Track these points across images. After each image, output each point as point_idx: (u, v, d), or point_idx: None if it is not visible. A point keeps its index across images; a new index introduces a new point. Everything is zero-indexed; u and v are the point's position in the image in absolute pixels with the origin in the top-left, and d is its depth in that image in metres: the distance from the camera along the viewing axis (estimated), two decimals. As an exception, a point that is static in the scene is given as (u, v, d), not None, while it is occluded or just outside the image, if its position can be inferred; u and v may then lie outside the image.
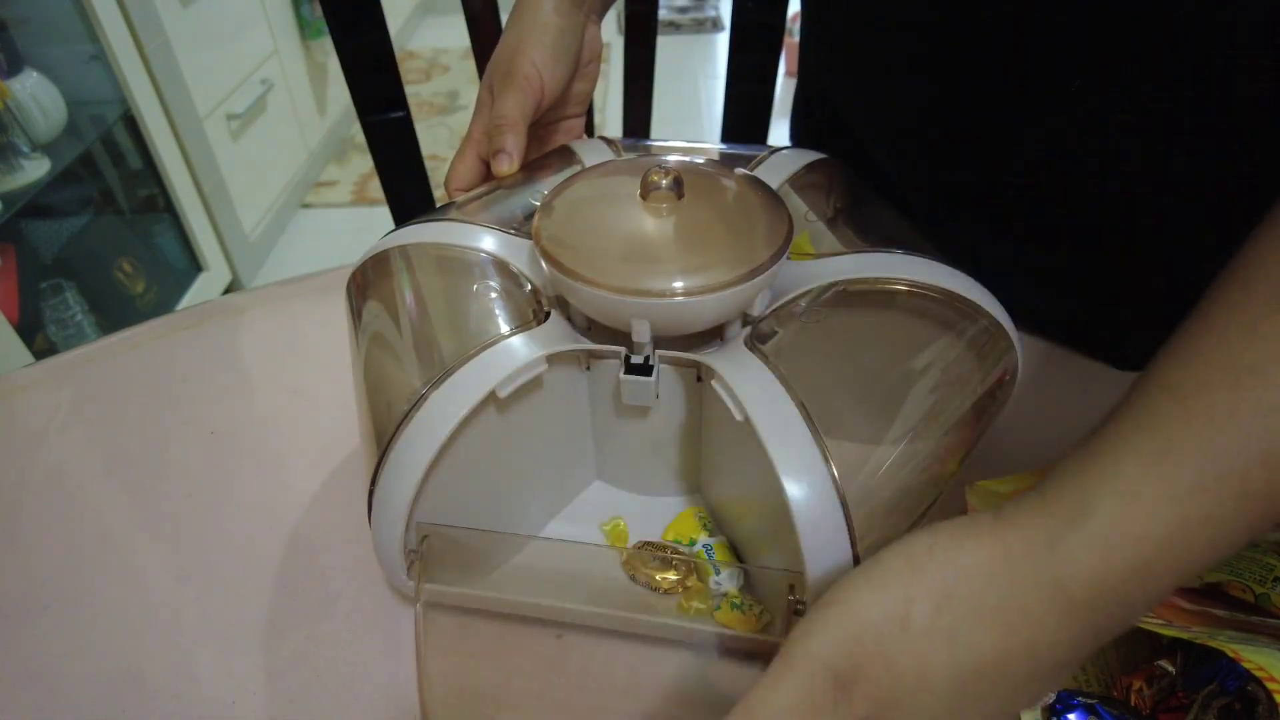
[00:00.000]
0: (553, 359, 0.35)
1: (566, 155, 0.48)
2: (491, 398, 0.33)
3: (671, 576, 0.38)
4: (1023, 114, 0.44)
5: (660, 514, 0.42)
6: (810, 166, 0.46)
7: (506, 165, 0.45)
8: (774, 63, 0.71)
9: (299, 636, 0.38)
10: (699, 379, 0.37)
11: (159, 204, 1.63)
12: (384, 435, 0.34)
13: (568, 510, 0.43)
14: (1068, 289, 0.49)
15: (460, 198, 0.46)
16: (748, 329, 0.36)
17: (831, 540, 0.30)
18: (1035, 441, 0.45)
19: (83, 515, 0.45)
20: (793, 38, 2.54)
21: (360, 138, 1.67)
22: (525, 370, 0.34)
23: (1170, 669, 0.31)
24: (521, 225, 0.42)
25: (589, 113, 0.71)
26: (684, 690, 0.35)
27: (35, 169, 1.35)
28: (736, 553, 0.40)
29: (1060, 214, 0.47)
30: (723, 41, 2.76)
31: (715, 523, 0.41)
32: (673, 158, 0.40)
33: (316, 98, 2.27)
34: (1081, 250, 0.47)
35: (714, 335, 0.37)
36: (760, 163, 0.45)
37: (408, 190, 0.72)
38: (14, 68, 1.34)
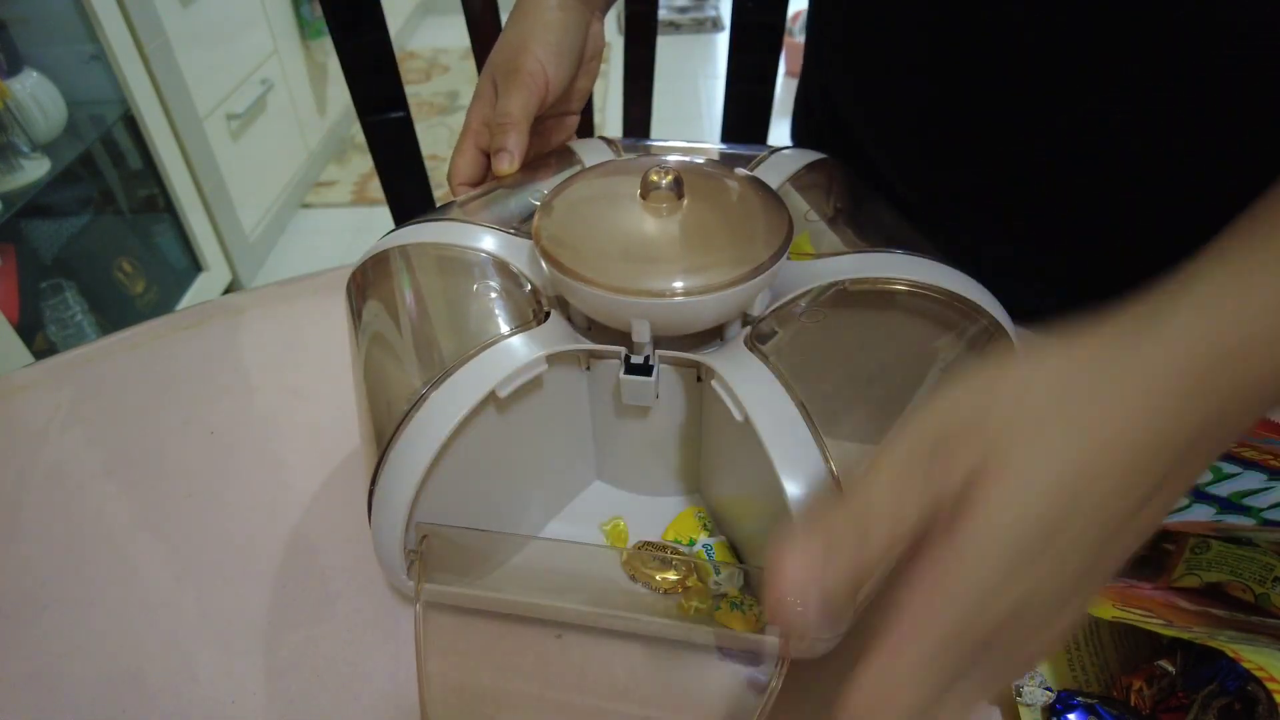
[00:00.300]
0: (553, 359, 0.35)
1: (566, 155, 0.48)
2: (491, 398, 0.33)
3: (671, 576, 0.38)
4: (1023, 114, 0.44)
5: (660, 514, 0.42)
6: (810, 166, 0.46)
7: (507, 164, 0.45)
8: (774, 63, 0.71)
9: (299, 636, 0.38)
10: (699, 379, 0.37)
11: (159, 204, 1.63)
12: (384, 435, 0.34)
13: (568, 510, 0.43)
14: (1068, 289, 0.50)
15: (460, 197, 0.46)
16: (748, 329, 0.36)
17: (831, 540, 0.30)
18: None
19: (83, 515, 0.45)
20: (793, 38, 2.54)
21: (360, 138, 1.67)
22: (525, 370, 0.34)
23: (1170, 669, 0.31)
24: (521, 225, 0.42)
25: (589, 113, 0.72)
26: (684, 690, 0.35)
27: (35, 169, 1.35)
28: (736, 553, 0.40)
29: (1060, 214, 0.47)
30: (723, 41, 2.76)
31: (715, 523, 0.41)
32: (673, 158, 0.40)
33: (316, 98, 2.27)
34: (1081, 250, 0.47)
35: (714, 335, 0.37)
36: (760, 163, 0.45)
37: (408, 190, 0.72)
38: (14, 68, 1.34)
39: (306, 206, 2.19)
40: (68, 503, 0.45)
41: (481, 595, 0.37)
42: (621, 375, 0.36)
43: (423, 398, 0.33)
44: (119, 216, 1.60)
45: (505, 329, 0.35)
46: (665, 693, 0.35)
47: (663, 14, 2.75)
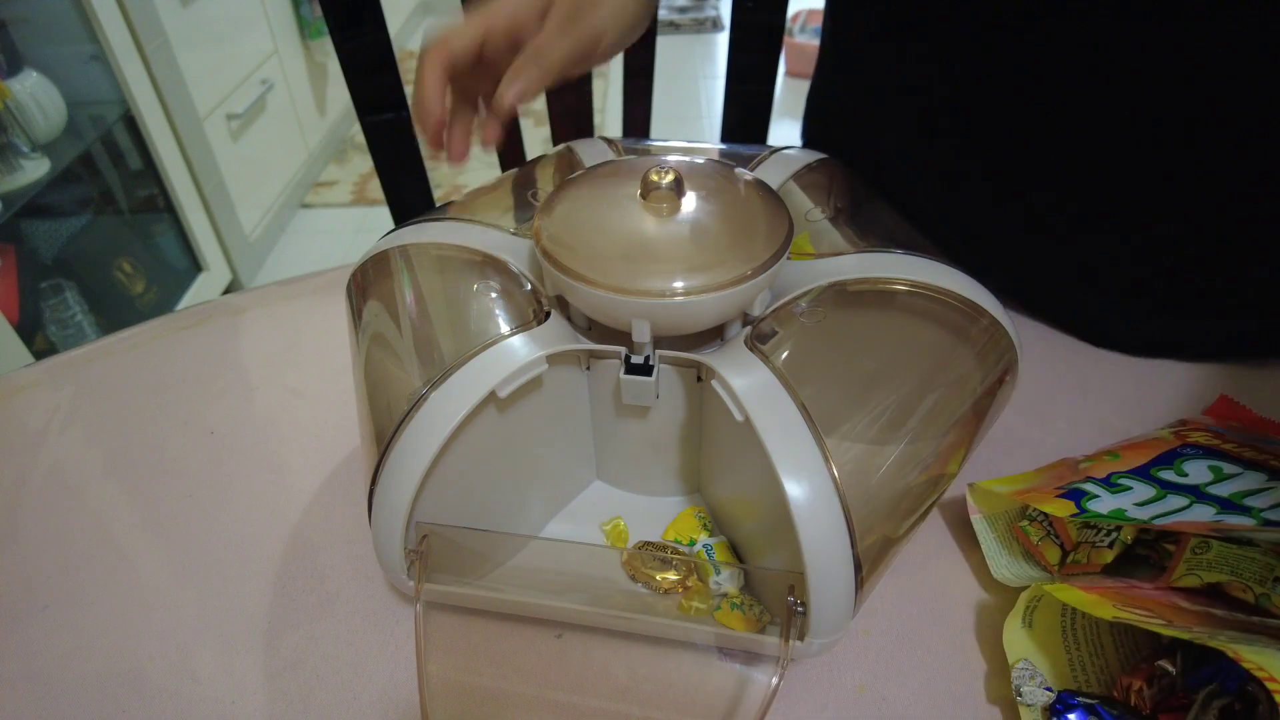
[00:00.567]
0: (553, 359, 0.35)
1: (566, 155, 0.48)
2: (491, 398, 0.33)
3: (671, 576, 0.38)
4: (1037, 108, 0.45)
5: (660, 514, 0.42)
6: (811, 166, 0.46)
7: (512, 99, 0.40)
8: (774, 63, 0.71)
9: (299, 636, 0.38)
10: (699, 379, 0.37)
11: (159, 204, 1.63)
12: (384, 435, 0.34)
13: (568, 510, 0.43)
14: (1088, 280, 0.50)
15: (459, 197, 0.46)
16: (748, 329, 0.36)
17: (831, 540, 0.30)
18: (1035, 441, 0.46)
19: (82, 515, 0.45)
20: (793, 38, 2.54)
21: (360, 138, 1.67)
22: (525, 370, 0.34)
23: (1170, 669, 0.31)
24: (521, 225, 0.42)
25: (589, 113, 0.72)
26: (684, 690, 0.35)
27: (35, 169, 1.35)
28: (736, 553, 0.40)
29: (1081, 208, 0.47)
30: (723, 41, 2.76)
31: (715, 523, 0.41)
32: (673, 158, 0.40)
33: (316, 98, 2.27)
34: (1104, 240, 0.48)
35: (714, 335, 0.37)
36: (760, 163, 0.45)
37: (408, 190, 0.72)
38: (14, 68, 1.34)
39: (306, 206, 2.20)
40: (68, 502, 0.45)
41: (481, 595, 0.37)
42: (621, 375, 0.36)
43: (423, 398, 0.33)
44: (119, 216, 1.60)
45: (505, 329, 0.35)
46: (665, 693, 0.35)
47: (663, 14, 2.75)
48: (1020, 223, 0.49)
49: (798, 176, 0.45)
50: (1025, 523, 0.39)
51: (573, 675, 0.36)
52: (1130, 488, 0.36)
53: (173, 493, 0.46)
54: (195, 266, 1.74)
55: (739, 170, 0.40)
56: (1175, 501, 0.35)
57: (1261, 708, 0.28)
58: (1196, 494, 0.35)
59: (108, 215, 1.57)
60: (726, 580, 0.38)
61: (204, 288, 1.73)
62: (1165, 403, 0.47)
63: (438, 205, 0.45)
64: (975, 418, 0.36)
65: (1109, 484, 0.37)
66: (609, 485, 0.44)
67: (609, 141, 0.49)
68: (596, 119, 2.22)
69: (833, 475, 0.31)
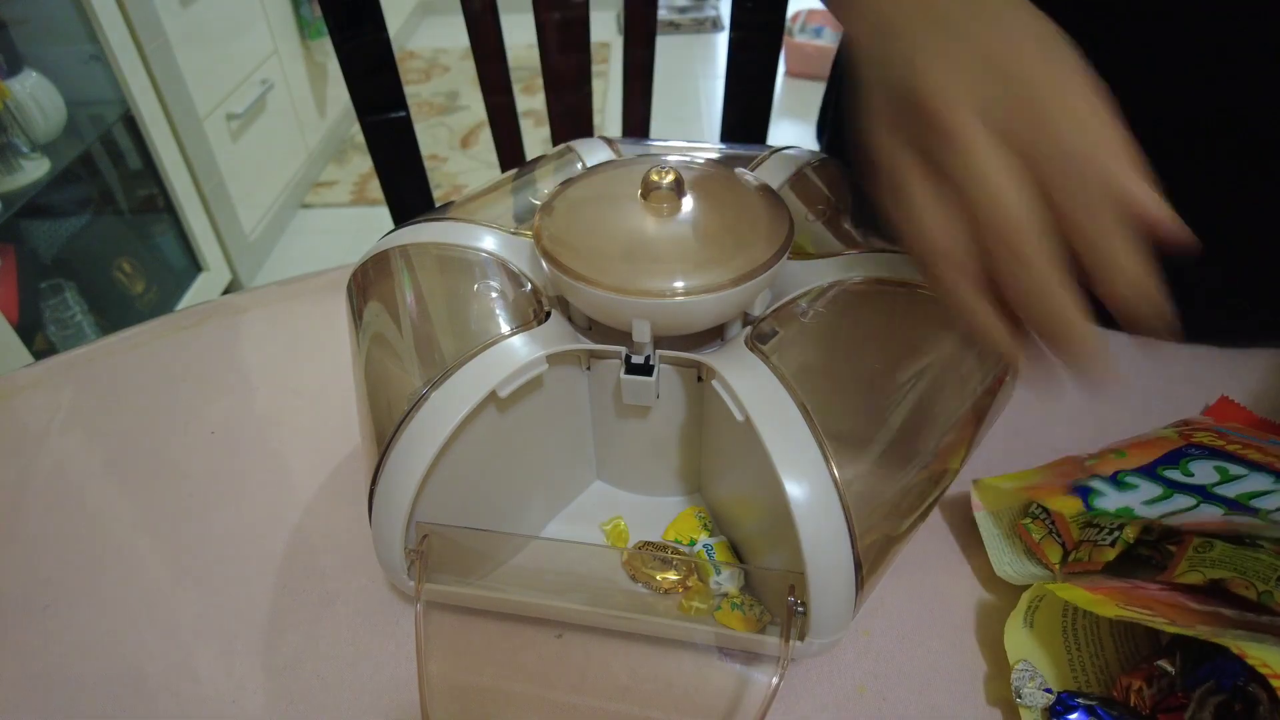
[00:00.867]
0: (553, 359, 0.35)
1: (566, 155, 0.48)
2: (492, 397, 0.33)
3: (672, 576, 0.38)
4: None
5: (660, 514, 0.42)
6: (812, 166, 0.46)
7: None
8: (774, 63, 0.71)
9: (299, 636, 0.38)
10: (699, 379, 0.37)
11: (159, 204, 1.63)
12: (384, 435, 0.34)
13: (568, 510, 0.43)
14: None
15: (459, 197, 0.46)
16: (748, 329, 0.36)
17: (831, 540, 0.30)
18: (1035, 441, 0.45)
19: (83, 515, 0.45)
20: (793, 38, 2.54)
21: (360, 138, 1.67)
22: (525, 370, 0.34)
23: (1170, 669, 0.31)
24: (521, 225, 0.42)
25: (589, 113, 0.72)
26: (684, 690, 0.35)
27: (35, 169, 1.35)
28: (736, 553, 0.40)
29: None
30: (723, 41, 2.76)
31: (715, 523, 0.41)
32: (673, 158, 0.40)
33: (316, 98, 2.28)
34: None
35: (714, 335, 0.37)
36: (761, 163, 0.45)
37: (407, 190, 0.72)
38: (14, 68, 1.34)
39: (306, 206, 2.20)
40: (68, 502, 0.45)
41: (481, 595, 0.37)
42: (622, 375, 0.36)
43: (423, 397, 0.33)
44: (119, 216, 1.60)
45: (505, 329, 0.35)
46: (665, 693, 0.35)
47: (663, 14, 2.75)
48: None
49: (798, 176, 0.45)
50: (1027, 520, 0.39)
51: (573, 675, 0.36)
52: (1137, 486, 0.36)
53: (173, 493, 0.46)
54: (195, 266, 1.74)
55: (739, 170, 0.40)
56: (1182, 501, 0.35)
57: (1262, 708, 0.28)
58: (1203, 494, 0.35)
59: (107, 215, 1.57)
60: (727, 580, 0.38)
61: (204, 288, 1.73)
62: (1165, 402, 0.47)
63: (438, 205, 0.45)
64: (976, 417, 0.36)
65: (1116, 482, 0.37)
66: (609, 485, 0.44)
67: (609, 141, 0.49)
68: (596, 119, 2.22)
69: (833, 475, 0.30)
